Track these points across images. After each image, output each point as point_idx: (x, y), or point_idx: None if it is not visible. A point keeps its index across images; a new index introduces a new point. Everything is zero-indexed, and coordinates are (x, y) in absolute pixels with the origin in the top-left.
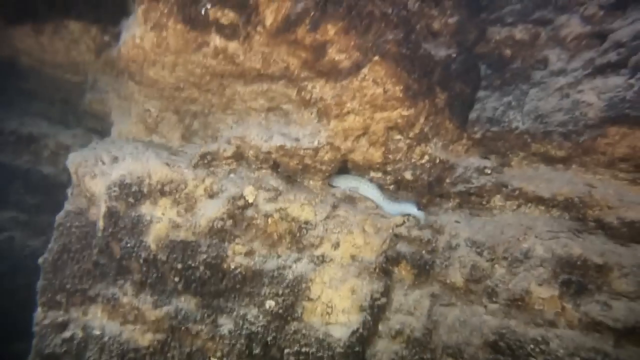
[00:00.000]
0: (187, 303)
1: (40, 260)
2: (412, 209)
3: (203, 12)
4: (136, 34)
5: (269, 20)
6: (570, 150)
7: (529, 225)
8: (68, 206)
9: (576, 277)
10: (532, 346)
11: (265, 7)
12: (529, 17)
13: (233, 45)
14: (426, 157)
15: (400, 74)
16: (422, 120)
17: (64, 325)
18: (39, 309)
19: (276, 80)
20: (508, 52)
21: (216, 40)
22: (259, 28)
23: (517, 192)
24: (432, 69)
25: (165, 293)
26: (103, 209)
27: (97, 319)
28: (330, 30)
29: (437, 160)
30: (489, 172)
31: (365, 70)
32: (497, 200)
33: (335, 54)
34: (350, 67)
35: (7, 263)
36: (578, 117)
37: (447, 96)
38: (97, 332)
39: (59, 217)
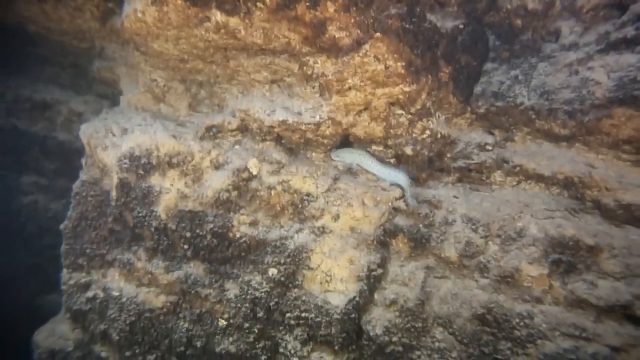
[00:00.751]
0: (196, 269)
1: (62, 226)
2: (402, 180)
3: None
4: (138, 7)
5: None
6: (574, 129)
7: (526, 203)
8: (83, 176)
9: (566, 257)
10: (517, 320)
11: None
12: None
13: (234, 21)
14: (427, 132)
15: (403, 49)
16: (424, 95)
17: (87, 286)
18: (65, 270)
19: (278, 54)
20: (519, 22)
21: (217, 16)
22: (259, 4)
23: (517, 168)
24: (437, 42)
25: (175, 259)
26: (115, 180)
27: (115, 281)
28: (330, 7)
29: (439, 135)
30: (490, 148)
31: (366, 47)
32: (497, 176)
33: (335, 32)
34: (350, 44)
35: (34, 224)
36: (585, 96)
37: (452, 70)
38: (115, 293)
39: (75, 186)
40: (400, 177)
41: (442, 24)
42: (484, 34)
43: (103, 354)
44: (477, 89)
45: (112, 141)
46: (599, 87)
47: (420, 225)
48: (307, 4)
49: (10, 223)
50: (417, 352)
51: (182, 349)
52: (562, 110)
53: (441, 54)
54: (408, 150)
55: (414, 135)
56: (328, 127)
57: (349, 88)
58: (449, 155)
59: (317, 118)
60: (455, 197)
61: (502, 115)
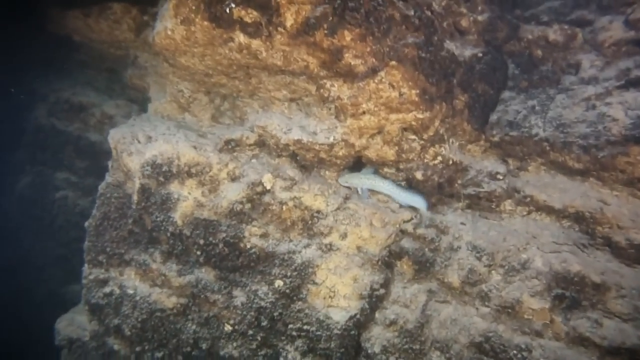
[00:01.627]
0: (207, 274)
1: (86, 224)
2: (420, 203)
3: (228, 10)
4: (168, 26)
5: (289, 22)
6: (589, 164)
7: (534, 234)
8: (108, 178)
9: (570, 293)
10: (515, 352)
11: (286, 10)
12: (567, 16)
13: (256, 43)
14: (439, 158)
15: (418, 77)
16: (437, 122)
17: (104, 282)
18: (86, 266)
19: (297, 75)
20: (539, 52)
21: (240, 37)
22: (280, 28)
23: (528, 199)
24: (453, 71)
25: (188, 264)
26: (137, 185)
27: (131, 280)
28: (347, 36)
29: (450, 162)
30: (501, 177)
31: (381, 74)
32: (508, 205)
33: (351, 59)
34: (365, 71)
35: (63, 218)
36: (601, 132)
37: (468, 98)
38: (130, 291)
39: (101, 187)
40: (417, 200)
41: (460, 52)
42: (503, 63)
43: (115, 347)
44: (493, 117)
45: (137, 148)
46: (615, 124)
47: (426, 249)
48: (326, 31)
49: (43, 215)
50: None
51: (189, 349)
52: (577, 144)
53: (457, 82)
54: (419, 175)
55: (425, 160)
56: (341, 148)
57: (363, 112)
58: (459, 181)
59: (331, 139)
60: (462, 223)
61: (516, 145)
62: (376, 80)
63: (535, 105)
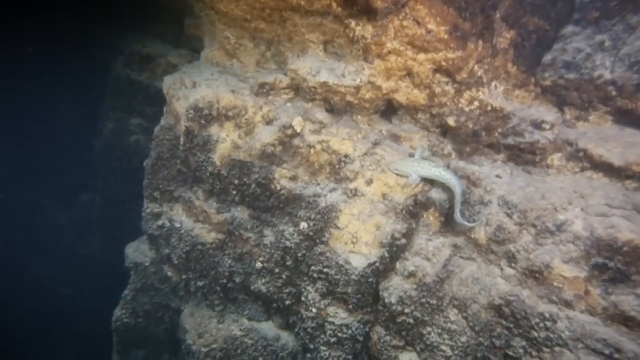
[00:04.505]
0: (242, 213)
1: (144, 163)
2: (456, 186)
3: None
4: None
5: None
6: None
7: (583, 194)
8: (162, 121)
9: (615, 264)
10: (537, 320)
11: None
12: None
13: None
14: (476, 104)
15: (447, 12)
16: (471, 63)
17: (158, 215)
18: (145, 201)
19: (324, 16)
20: None
21: None
22: None
23: (581, 153)
24: (495, 3)
25: (226, 202)
26: (183, 127)
27: (179, 214)
28: None
29: (489, 108)
30: (548, 127)
31: (405, 10)
32: (556, 159)
33: None
34: (387, 7)
35: (137, 159)
36: None
37: (515, 35)
38: (177, 225)
39: (156, 130)
40: (453, 182)
41: None
42: None
43: (169, 274)
44: (547, 57)
45: (184, 93)
46: None
47: None
48: None
49: (122, 157)
50: (428, 329)
51: (224, 281)
52: None
53: (501, 17)
54: (451, 121)
55: (460, 105)
56: (368, 91)
57: (389, 52)
58: (500, 130)
59: (358, 81)
60: (498, 176)
61: (572, 90)
62: (400, 17)
63: (604, 40)
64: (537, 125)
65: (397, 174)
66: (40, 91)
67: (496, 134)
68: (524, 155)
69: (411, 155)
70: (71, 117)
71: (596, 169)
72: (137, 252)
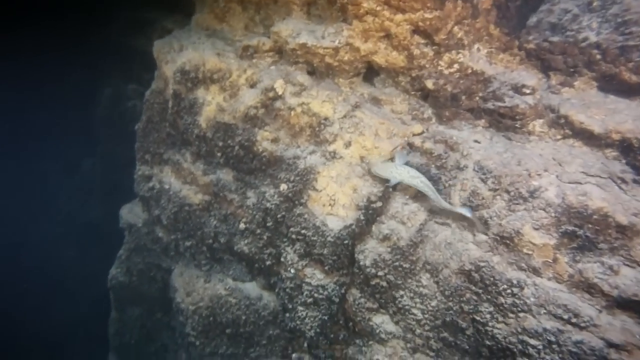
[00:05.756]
0: (226, 175)
1: (136, 127)
2: (463, 209)
3: None
4: None
5: None
6: None
7: (561, 161)
8: (153, 85)
9: (585, 232)
10: (505, 286)
11: None
12: None
13: None
14: (455, 66)
15: None
16: (450, 24)
17: (149, 178)
18: (137, 163)
19: None
20: None
21: None
22: None
23: (563, 120)
24: None
25: (212, 164)
26: (171, 90)
27: (168, 176)
28: None
29: (469, 71)
30: (528, 91)
31: None
32: (538, 126)
33: None
34: None
35: (133, 125)
36: None
37: None
38: (167, 187)
39: (147, 94)
40: (430, 194)
41: None
42: None
43: (160, 234)
44: (532, 19)
45: (172, 57)
46: None
47: (432, 166)
48: None
49: (119, 121)
50: (401, 292)
51: (210, 241)
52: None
53: None
54: (429, 84)
55: (439, 68)
56: (346, 52)
57: (366, 13)
58: (480, 94)
59: (336, 43)
60: (476, 141)
61: (556, 54)
62: None
63: (593, 0)
64: (518, 89)
65: (378, 176)
66: (40, 58)
67: (477, 98)
68: (504, 121)
69: (392, 160)
70: (72, 84)
71: (577, 136)
72: (131, 213)
